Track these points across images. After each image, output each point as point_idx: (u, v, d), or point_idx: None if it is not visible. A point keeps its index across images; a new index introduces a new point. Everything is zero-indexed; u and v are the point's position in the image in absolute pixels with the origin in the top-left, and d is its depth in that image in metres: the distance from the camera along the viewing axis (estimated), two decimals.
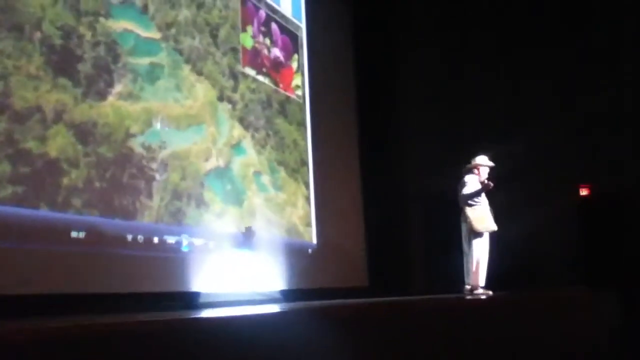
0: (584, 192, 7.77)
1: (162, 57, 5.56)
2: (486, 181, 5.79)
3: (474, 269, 5.75)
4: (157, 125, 5.38)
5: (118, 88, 5.04)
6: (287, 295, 6.42)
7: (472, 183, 5.82)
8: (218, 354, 2.19)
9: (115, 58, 5.05)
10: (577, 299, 5.55)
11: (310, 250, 7.30)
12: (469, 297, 5.58)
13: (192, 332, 2.24)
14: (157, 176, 5.30)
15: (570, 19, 8.16)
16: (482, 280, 5.79)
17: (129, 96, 5.13)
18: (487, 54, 8.49)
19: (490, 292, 5.75)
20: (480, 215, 5.76)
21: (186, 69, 5.80)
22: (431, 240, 8.64)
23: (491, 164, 5.97)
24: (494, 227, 5.83)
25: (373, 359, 2.78)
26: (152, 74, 5.42)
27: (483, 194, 5.85)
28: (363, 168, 8.60)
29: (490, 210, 5.93)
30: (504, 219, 7.24)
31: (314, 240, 7.39)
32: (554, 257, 7.69)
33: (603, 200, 7.63)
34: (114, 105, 4.98)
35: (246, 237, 6.12)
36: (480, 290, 5.76)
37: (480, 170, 5.93)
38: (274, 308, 3.73)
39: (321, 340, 2.59)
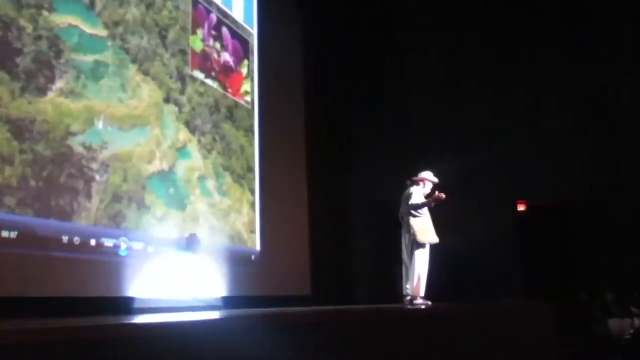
0: (521, 207, 8.03)
1: (108, 55, 5.42)
2: (437, 193, 5.87)
3: (415, 279, 5.82)
4: (99, 125, 5.24)
5: (59, 84, 4.88)
6: (229, 302, 6.34)
7: (417, 195, 5.92)
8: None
9: (58, 53, 4.89)
10: (513, 310, 5.69)
11: (253, 257, 7.25)
12: (409, 307, 5.64)
13: (125, 338, 2.18)
14: (97, 177, 5.15)
15: (510, 44, 8.43)
16: (422, 291, 5.87)
17: (71, 93, 4.98)
18: (438, 69, 8.67)
19: (429, 303, 5.84)
20: (424, 227, 5.86)
21: (132, 69, 5.67)
22: (374, 251, 8.74)
23: (436, 179, 6.08)
24: (436, 240, 5.94)
25: None
26: (96, 72, 5.28)
27: (426, 208, 5.94)
28: (310, 176, 8.62)
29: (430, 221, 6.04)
30: (446, 232, 7.39)
31: (258, 247, 7.34)
32: (493, 269, 7.89)
33: (539, 215, 7.90)
34: (54, 102, 4.81)
35: (188, 243, 6.02)
36: (420, 301, 5.83)
37: (425, 184, 6.03)
38: (210, 315, 3.67)
39: (258, 348, 2.56)
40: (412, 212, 5.87)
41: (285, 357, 2.64)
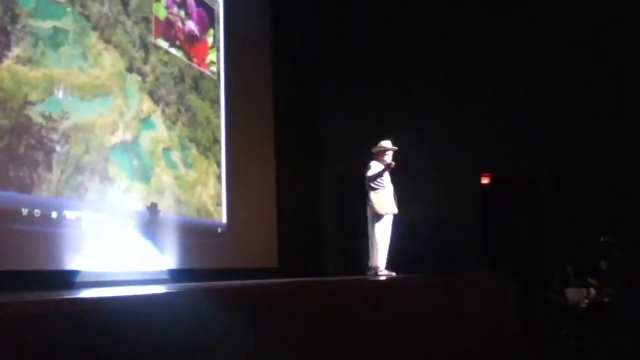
0: (485, 180, 8.14)
1: (68, 22, 5.23)
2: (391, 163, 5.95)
3: (376, 251, 5.89)
4: (59, 94, 5.07)
5: (16, 51, 4.69)
6: (195, 275, 6.30)
7: (375, 167, 5.98)
8: (101, 333, 2.10)
9: (14, 19, 4.70)
10: (475, 281, 5.79)
11: (220, 230, 7.20)
12: (371, 278, 5.70)
13: (78, 311, 2.14)
14: (58, 148, 5.01)
15: (476, 8, 8.43)
16: (382, 262, 5.93)
17: (29, 61, 4.80)
18: (404, 43, 8.64)
19: (393, 274, 5.91)
20: (382, 199, 5.94)
21: (94, 36, 5.49)
22: (342, 223, 8.77)
23: (394, 147, 6.11)
24: (395, 211, 6.02)
25: (265, 341, 2.76)
26: (56, 39, 5.09)
27: (388, 179, 6.02)
28: (277, 149, 8.55)
29: (395, 194, 6.08)
30: (413, 205, 7.47)
31: (224, 220, 7.29)
32: (459, 242, 8.02)
33: (503, 189, 8.03)
34: (10, 70, 4.64)
35: (152, 215, 5.94)
36: (384, 272, 5.90)
37: (384, 154, 6.06)
38: (162, 289, 3.63)
39: (211, 321, 2.53)
40: (370, 184, 5.95)
41: (231, 331, 2.62)
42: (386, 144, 6.13)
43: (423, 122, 8.27)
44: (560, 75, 7.97)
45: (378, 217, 5.94)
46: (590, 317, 6.91)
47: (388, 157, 6.06)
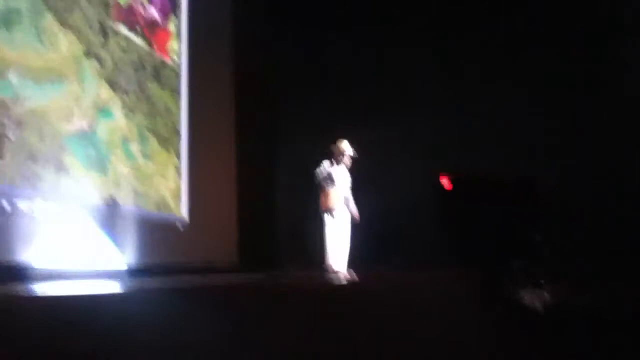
0: (444, 180, 8.20)
1: (21, 2, 4.95)
2: (345, 161, 6.01)
3: (326, 248, 5.85)
4: (13, 78, 4.79)
5: None
6: (153, 271, 6.08)
7: (323, 166, 5.99)
8: (53, 332, 1.96)
9: None
10: (431, 278, 5.76)
11: (178, 224, 6.99)
12: (321, 279, 5.61)
13: (22, 308, 1.99)
14: (10, 134, 4.73)
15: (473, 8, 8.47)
16: (331, 259, 5.86)
17: None
18: (362, 30, 8.59)
19: (342, 274, 5.83)
20: (330, 197, 5.91)
21: (49, 18, 5.22)
22: (302, 218, 8.67)
23: (350, 150, 6.09)
24: (336, 209, 5.93)
25: (218, 339, 2.63)
26: (8, 19, 4.81)
27: (341, 178, 6.01)
28: (238, 141, 8.38)
29: (346, 194, 6.04)
30: (375, 203, 7.43)
31: (184, 214, 7.08)
32: (419, 240, 8.04)
33: (463, 187, 8.10)
34: None
35: (109, 208, 5.70)
36: (335, 271, 5.82)
37: (340, 154, 6.06)
38: (115, 287, 3.46)
39: (161, 320, 2.41)
40: (320, 182, 5.98)
41: (182, 328, 2.50)
42: (344, 145, 6.10)
43: (387, 117, 8.26)
44: (554, 76, 8.05)
45: (327, 215, 5.90)
46: (549, 324, 7.00)
47: (346, 160, 6.06)
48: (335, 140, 6.25)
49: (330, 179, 5.95)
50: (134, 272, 5.85)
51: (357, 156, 6.12)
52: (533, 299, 7.34)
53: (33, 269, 4.76)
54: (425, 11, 8.47)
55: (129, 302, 2.53)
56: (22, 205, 4.80)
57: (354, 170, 6.21)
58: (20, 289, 2.67)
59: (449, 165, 8.41)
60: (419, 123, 8.36)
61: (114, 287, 3.17)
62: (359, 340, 3.64)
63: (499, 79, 8.07)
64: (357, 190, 6.33)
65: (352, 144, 6.24)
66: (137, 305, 2.47)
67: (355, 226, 6.55)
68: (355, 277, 5.69)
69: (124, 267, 5.84)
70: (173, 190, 6.92)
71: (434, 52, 8.41)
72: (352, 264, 6.04)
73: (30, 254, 4.80)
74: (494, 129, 8.10)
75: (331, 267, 5.84)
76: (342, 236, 5.95)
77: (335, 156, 6.09)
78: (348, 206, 6.07)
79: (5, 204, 4.65)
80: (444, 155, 8.34)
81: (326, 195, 5.92)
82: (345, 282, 5.14)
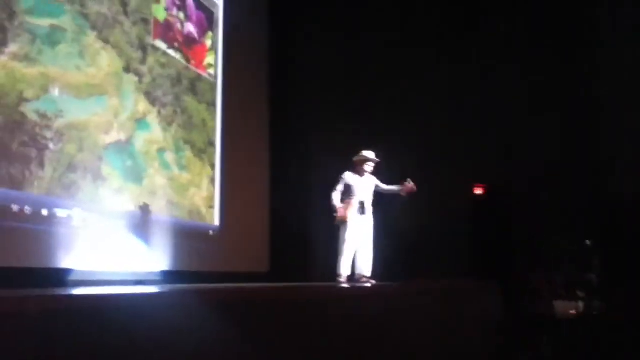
0: (478, 191, 8.16)
1: (65, 21, 5.24)
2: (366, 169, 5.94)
3: (340, 257, 5.83)
4: (55, 92, 5.08)
5: (12, 48, 4.70)
6: (185, 277, 6.30)
7: (347, 179, 5.94)
8: (93, 331, 2.11)
9: (11, 16, 4.70)
10: (457, 289, 5.76)
11: (211, 233, 7.20)
12: (341, 286, 5.55)
13: (72, 309, 2.14)
14: (51, 146, 5.01)
15: (461, 17, 8.46)
16: (342, 269, 5.82)
17: (25, 58, 4.80)
18: (394, 49, 8.65)
19: (342, 281, 5.80)
20: (343, 207, 5.84)
21: (91, 36, 5.50)
22: (334, 228, 8.76)
23: (375, 159, 6.01)
24: (348, 219, 5.83)
25: (243, 345, 2.75)
26: (53, 38, 5.10)
27: (360, 188, 5.93)
28: (272, 152, 8.57)
29: (362, 204, 5.93)
30: (401, 212, 7.47)
31: (217, 223, 7.29)
32: (445, 250, 8.03)
33: (493, 199, 8.06)
34: (6, 67, 4.64)
35: (144, 215, 5.94)
36: (344, 279, 5.80)
37: (364, 164, 5.97)
38: (152, 289, 3.62)
39: (196, 323, 2.54)
40: (336, 194, 5.92)
41: (214, 333, 2.62)
42: (368, 154, 6.02)
43: (414, 129, 8.28)
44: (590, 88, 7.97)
45: (342, 224, 5.86)
46: (575, 330, 6.92)
47: (368, 167, 5.99)
48: (359, 151, 6.16)
49: (348, 190, 5.88)
50: (167, 279, 6.08)
51: (379, 160, 6.01)
52: (566, 308, 7.27)
53: (71, 275, 5.02)
54: (468, 26, 8.47)
55: (163, 303, 2.67)
56: (61, 213, 5.07)
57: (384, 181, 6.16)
58: (58, 292, 2.86)
59: (479, 175, 8.38)
60: (449, 133, 8.35)
61: (148, 290, 3.34)
62: (371, 348, 3.72)
63: (531, 88, 8.03)
64: (386, 202, 6.34)
65: (381, 153, 6.14)
66: (171, 307, 2.60)
67: (385, 236, 6.54)
68: (372, 285, 5.69)
69: (158, 274, 6.07)
70: (206, 200, 7.14)
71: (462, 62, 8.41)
72: (382, 274, 6.05)
73: (69, 260, 5.06)
74: (526, 140, 8.05)
75: (343, 276, 5.80)
76: (363, 245, 5.89)
77: (356, 166, 6.01)
78: (366, 210, 5.92)
79: (45, 212, 4.93)
80: (476, 165, 8.30)
81: (339, 207, 5.84)
82: (364, 290, 5.16)
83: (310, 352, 3.08)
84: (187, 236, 6.67)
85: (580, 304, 7.27)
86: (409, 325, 4.23)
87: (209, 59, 7.39)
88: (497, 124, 8.19)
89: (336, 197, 5.92)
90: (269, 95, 8.66)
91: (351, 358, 3.44)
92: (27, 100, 4.80)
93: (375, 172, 6.14)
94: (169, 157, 6.53)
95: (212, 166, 7.30)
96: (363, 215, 5.89)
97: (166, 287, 4.21)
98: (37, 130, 4.88)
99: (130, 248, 5.78)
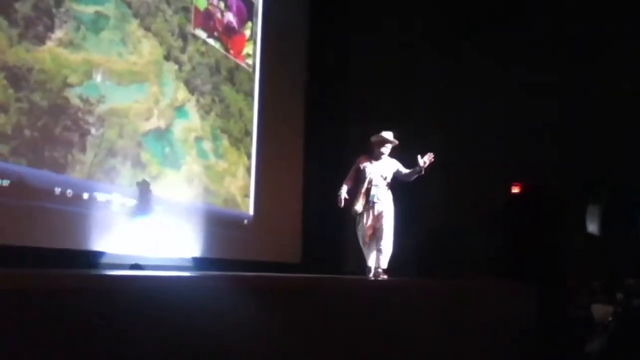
0: (515, 189, 8.01)
1: (109, 8, 5.32)
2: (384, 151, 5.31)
3: (364, 251, 5.31)
4: (98, 78, 5.17)
5: (58, 34, 4.80)
6: (218, 265, 6.36)
7: (359, 164, 5.38)
8: (127, 312, 2.15)
9: (58, 2, 4.80)
10: (486, 289, 5.63)
11: (246, 222, 7.25)
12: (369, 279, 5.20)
13: (105, 289, 2.19)
14: (93, 131, 5.11)
15: (506, 14, 8.30)
16: (372, 262, 5.25)
17: (70, 44, 4.90)
18: (436, 42, 8.55)
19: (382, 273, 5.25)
20: (354, 198, 5.28)
21: (134, 23, 5.58)
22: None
23: (393, 140, 5.33)
24: (356, 210, 5.26)
25: (267, 334, 2.75)
26: (97, 24, 5.19)
27: (378, 172, 5.31)
28: (307, 144, 8.57)
29: (373, 195, 5.25)
30: (436, 210, 7.39)
31: (251, 212, 7.34)
32: (481, 249, 7.93)
33: (531, 198, 7.91)
34: (52, 52, 4.74)
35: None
36: (376, 273, 5.22)
37: (382, 145, 5.31)
38: (185, 274, 3.66)
39: (225, 309, 2.56)
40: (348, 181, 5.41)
41: (240, 321, 2.63)
42: (386, 134, 5.33)
43: (453, 124, 8.18)
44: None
45: (356, 215, 5.29)
46: (617, 334, 6.76)
47: (386, 149, 5.33)
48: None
49: (361, 176, 5.30)
50: (201, 266, 6.14)
51: (397, 142, 5.32)
52: (604, 312, 7.11)
53: (107, 258, 5.12)
54: (511, 21, 8.30)
55: (193, 288, 2.70)
56: (101, 197, 5.17)
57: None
58: (95, 273, 2.93)
59: (515, 175, 8.24)
60: (488, 131, 8.23)
61: (182, 275, 3.38)
62: (397, 343, 3.68)
63: (574, 84, 7.85)
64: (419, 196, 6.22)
65: (419, 148, 5.49)
66: (201, 292, 2.63)
67: (418, 233, 6.46)
68: (386, 280, 5.13)
69: (192, 260, 6.14)
70: (242, 188, 7.19)
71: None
72: (413, 271, 5.98)
73: (107, 244, 5.16)
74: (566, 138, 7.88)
75: (372, 270, 5.23)
76: (381, 236, 5.24)
77: (373, 148, 5.35)
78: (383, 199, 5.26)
79: (86, 196, 5.03)
80: (509, 164, 8.17)
81: (357, 197, 5.23)
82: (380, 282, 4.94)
83: (314, 345, 3.07)
84: (222, 224, 6.73)
85: (619, 309, 7.10)
86: (429, 323, 4.14)
87: (248, 49, 7.42)
88: (538, 122, 8.04)
89: (345, 186, 5.34)
90: (305, 87, 8.65)
91: (365, 354, 3.40)
92: (70, 86, 4.90)
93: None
94: (206, 145, 6.58)
95: (248, 155, 7.34)
96: (378, 203, 5.22)
97: (201, 274, 4.25)
98: (80, 115, 4.98)
99: (165, 234, 5.86)
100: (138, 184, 5.57)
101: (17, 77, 4.46)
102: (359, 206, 5.24)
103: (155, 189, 5.78)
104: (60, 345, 1.92)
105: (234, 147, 7.07)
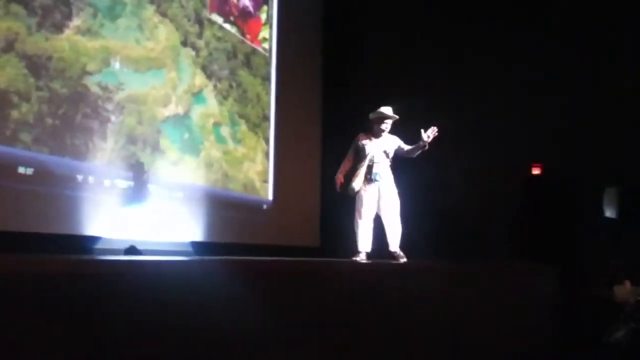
0: (536, 171, 7.92)
1: None
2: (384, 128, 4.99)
3: (357, 232, 4.93)
4: (116, 65, 5.19)
5: (76, 22, 4.81)
6: (238, 249, 6.40)
7: (358, 141, 5.10)
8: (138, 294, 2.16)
9: None
10: (509, 270, 5.57)
11: (265, 207, 7.27)
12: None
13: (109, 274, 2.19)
14: (113, 118, 5.14)
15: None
16: (363, 245, 4.90)
17: (88, 31, 4.92)
18: (450, 25, 8.45)
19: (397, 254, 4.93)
20: (355, 176, 4.96)
21: (150, 9, 5.58)
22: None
23: (393, 115, 5.02)
24: (353, 187, 4.94)
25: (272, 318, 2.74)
26: (113, 11, 5.20)
27: (379, 149, 4.99)
28: (324, 128, 8.54)
29: (372, 172, 4.92)
30: (455, 192, 7.33)
31: (270, 197, 7.36)
32: (498, 230, 7.87)
33: (551, 180, 7.82)
34: (70, 40, 4.76)
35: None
36: (363, 256, 4.89)
37: (381, 122, 5.01)
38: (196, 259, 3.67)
39: (227, 293, 2.56)
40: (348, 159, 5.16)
41: (250, 303, 2.63)
42: (385, 110, 5.02)
43: (470, 106, 8.09)
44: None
45: (354, 194, 4.96)
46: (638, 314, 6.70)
47: (385, 126, 5.03)
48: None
49: (360, 154, 5.01)
50: (220, 251, 6.18)
51: (396, 117, 5.00)
52: (626, 293, 7.04)
53: (127, 243, 5.17)
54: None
55: (190, 270, 2.70)
56: (121, 184, 5.21)
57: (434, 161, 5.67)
58: (112, 259, 2.95)
59: (533, 157, 8.14)
60: (507, 111, 8.14)
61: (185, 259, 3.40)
62: (410, 325, 3.66)
63: (596, 66, 7.71)
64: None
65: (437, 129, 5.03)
66: (210, 276, 2.63)
67: (437, 216, 6.38)
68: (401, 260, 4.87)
69: (211, 245, 6.18)
70: (260, 173, 7.20)
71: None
72: (434, 253, 5.93)
73: (128, 230, 5.21)
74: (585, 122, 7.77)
75: (362, 253, 4.88)
76: (386, 217, 4.92)
77: (372, 125, 5.05)
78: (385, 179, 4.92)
79: (108, 183, 5.08)
80: (529, 145, 8.07)
81: (355, 175, 4.93)
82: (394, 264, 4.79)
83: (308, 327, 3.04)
84: (241, 209, 6.76)
85: None
86: (453, 304, 4.10)
87: (264, 33, 7.39)
88: (557, 102, 7.92)
89: (344, 165, 5.09)
90: (322, 71, 8.61)
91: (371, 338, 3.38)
92: (89, 73, 4.92)
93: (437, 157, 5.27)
94: (224, 130, 6.59)
95: (267, 140, 7.34)
96: (377, 182, 4.89)
97: (215, 259, 4.26)
98: (99, 102, 5.01)
99: (186, 220, 5.90)
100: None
101: (37, 66, 4.49)
102: (357, 183, 4.90)
103: (175, 175, 5.81)
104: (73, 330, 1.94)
105: (252, 132, 7.07)
